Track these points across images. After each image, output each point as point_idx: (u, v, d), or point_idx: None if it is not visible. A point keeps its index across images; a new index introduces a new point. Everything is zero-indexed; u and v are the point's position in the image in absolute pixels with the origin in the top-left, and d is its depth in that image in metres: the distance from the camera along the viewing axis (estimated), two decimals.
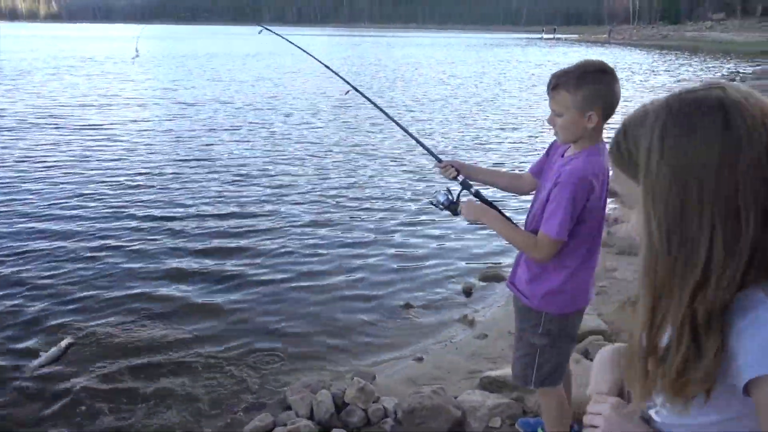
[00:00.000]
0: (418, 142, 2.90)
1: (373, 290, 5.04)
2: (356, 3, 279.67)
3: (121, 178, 8.15)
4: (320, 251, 5.81)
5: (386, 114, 3.07)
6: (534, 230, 2.24)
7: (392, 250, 5.89)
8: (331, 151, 10.33)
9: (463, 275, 5.30)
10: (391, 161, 9.60)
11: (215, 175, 8.46)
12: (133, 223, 6.38)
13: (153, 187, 7.78)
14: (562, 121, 2.13)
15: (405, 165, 9.33)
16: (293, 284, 5.10)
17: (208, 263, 5.44)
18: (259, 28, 3.94)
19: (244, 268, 5.37)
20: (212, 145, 10.58)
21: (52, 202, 7.01)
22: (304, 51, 3.60)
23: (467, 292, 5.00)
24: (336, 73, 3.39)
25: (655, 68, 30.13)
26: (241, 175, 8.56)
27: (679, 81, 23.27)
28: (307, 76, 23.01)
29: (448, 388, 3.44)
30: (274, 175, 8.57)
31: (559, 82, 2.11)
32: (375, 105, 3.09)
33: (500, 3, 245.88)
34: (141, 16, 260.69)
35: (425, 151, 2.77)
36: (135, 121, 12.86)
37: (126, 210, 6.81)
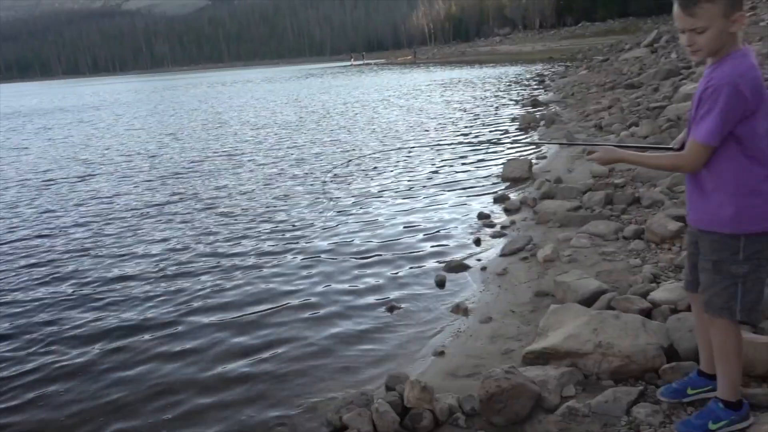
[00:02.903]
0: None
1: (348, 301, 4.71)
2: (157, 48, 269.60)
3: None
4: (278, 273, 5.44)
5: None
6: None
7: (351, 260, 5.61)
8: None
9: (429, 272, 5.12)
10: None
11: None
12: None
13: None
14: (709, 35, 2.05)
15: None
16: (264, 309, 4.67)
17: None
18: None
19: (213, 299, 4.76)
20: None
21: None
22: None
23: (441, 283, 4.84)
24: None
25: (484, 78, 32.35)
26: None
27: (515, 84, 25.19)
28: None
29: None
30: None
31: None
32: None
33: (303, 37, 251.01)
34: None
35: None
36: None
37: None
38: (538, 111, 14.91)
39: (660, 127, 8.78)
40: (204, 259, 5.90)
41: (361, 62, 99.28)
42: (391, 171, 9.61)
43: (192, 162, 11.89)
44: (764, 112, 2.09)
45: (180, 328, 4.47)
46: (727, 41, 2.10)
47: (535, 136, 11.63)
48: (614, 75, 19.38)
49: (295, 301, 4.80)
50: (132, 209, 8.19)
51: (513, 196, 7.27)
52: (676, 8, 2.12)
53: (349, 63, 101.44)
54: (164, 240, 6.62)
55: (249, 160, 11.61)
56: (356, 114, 18.91)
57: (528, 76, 29.00)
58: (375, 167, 9.99)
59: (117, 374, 3.84)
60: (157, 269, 5.70)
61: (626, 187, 6.41)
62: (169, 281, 5.39)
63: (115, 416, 3.38)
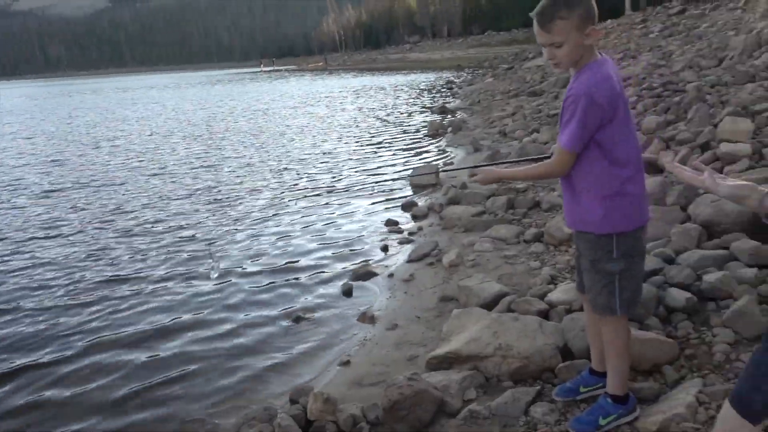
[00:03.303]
0: None
1: (251, 314, 4.60)
2: (51, 50, 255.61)
3: None
4: (179, 289, 5.20)
5: None
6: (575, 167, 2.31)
7: (256, 272, 5.47)
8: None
9: (336, 282, 5.08)
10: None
11: None
12: None
13: None
14: (565, 49, 2.18)
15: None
16: (162, 325, 4.46)
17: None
18: None
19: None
20: None
21: None
22: None
23: (348, 292, 4.82)
24: None
25: (395, 85, 32.65)
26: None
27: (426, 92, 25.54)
28: None
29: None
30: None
31: (552, 15, 2.15)
32: None
33: (211, 42, 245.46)
34: None
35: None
36: None
37: None
38: (447, 118, 15.23)
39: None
40: (98, 277, 5.59)
41: (271, 68, 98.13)
42: (297, 181, 9.51)
43: (86, 176, 11.30)
44: (621, 119, 2.23)
45: (69, 350, 4.21)
46: (585, 53, 2.23)
47: (443, 143, 11.85)
48: (518, 83, 20.10)
49: (196, 316, 4.64)
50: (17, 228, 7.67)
51: (420, 202, 7.37)
52: (535, 25, 2.23)
53: (259, 69, 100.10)
54: (55, 259, 6.22)
55: (151, 173, 11.17)
56: (264, 123, 18.62)
57: (438, 83, 29.59)
58: (280, 178, 9.86)
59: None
60: (47, 288, 5.36)
61: (527, 192, 6.64)
62: (60, 300, 5.07)
63: None
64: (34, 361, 4.07)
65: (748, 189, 1.40)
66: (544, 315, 3.56)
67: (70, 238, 6.91)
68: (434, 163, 9.86)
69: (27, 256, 6.32)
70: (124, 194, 9.16)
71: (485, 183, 2.54)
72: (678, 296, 3.24)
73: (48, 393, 3.68)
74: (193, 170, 10.87)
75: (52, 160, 13.16)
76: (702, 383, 2.68)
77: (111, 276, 5.56)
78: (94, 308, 4.87)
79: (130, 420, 3.35)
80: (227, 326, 4.43)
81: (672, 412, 2.49)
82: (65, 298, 5.11)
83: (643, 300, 3.15)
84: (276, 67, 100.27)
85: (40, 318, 4.74)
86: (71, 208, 8.43)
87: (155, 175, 10.67)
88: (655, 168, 6.07)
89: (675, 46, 16.17)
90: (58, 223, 7.64)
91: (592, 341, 2.80)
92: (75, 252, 6.33)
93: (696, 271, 3.46)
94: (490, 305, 3.89)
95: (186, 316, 4.63)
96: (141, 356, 4.05)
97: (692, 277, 3.42)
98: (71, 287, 5.33)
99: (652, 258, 3.67)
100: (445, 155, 10.46)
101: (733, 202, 1.45)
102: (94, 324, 4.59)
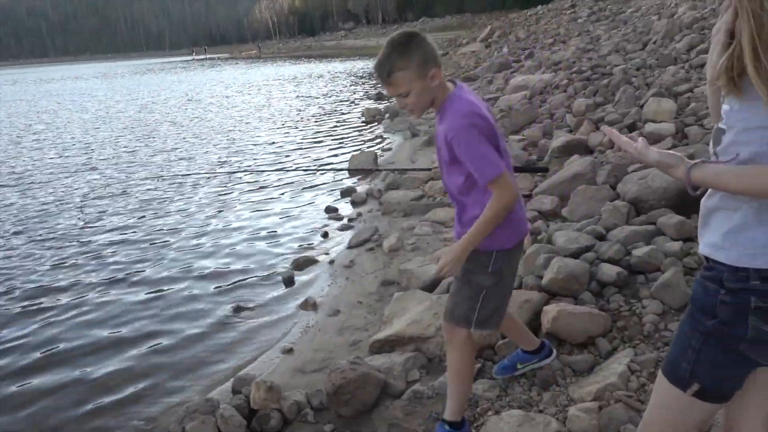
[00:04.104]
0: None
1: (190, 305, 4.50)
2: None
3: None
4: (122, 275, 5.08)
5: None
6: (463, 200, 2.27)
7: (194, 264, 5.35)
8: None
9: (277, 271, 5.03)
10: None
11: None
12: None
13: None
14: (413, 97, 2.14)
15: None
16: (95, 318, 4.32)
17: None
18: None
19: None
20: None
21: None
22: None
23: (289, 281, 4.78)
24: None
25: (332, 72, 32.37)
26: None
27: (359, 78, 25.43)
28: None
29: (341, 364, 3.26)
30: None
31: (390, 69, 2.11)
32: None
33: (139, 30, 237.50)
34: None
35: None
36: None
37: None
38: (383, 104, 15.24)
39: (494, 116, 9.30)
40: (28, 284, 5.36)
41: (203, 57, 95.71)
42: (237, 170, 9.34)
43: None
44: (498, 144, 2.18)
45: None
46: (437, 93, 2.18)
47: (380, 129, 11.86)
48: (453, 68, 20.29)
49: (133, 310, 4.51)
50: None
51: (359, 188, 7.36)
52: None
53: (191, 57, 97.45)
54: None
55: (80, 168, 10.73)
56: (202, 113, 18.18)
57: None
58: (220, 168, 9.66)
59: None
60: None
61: None
62: None
63: None
64: None
65: (676, 158, 1.46)
66: None
67: None
68: (372, 149, 9.86)
69: None
70: (51, 192, 8.75)
71: (455, 264, 2.22)
72: (609, 271, 3.36)
73: None
74: (129, 163, 10.50)
75: None
76: (633, 353, 2.79)
77: (37, 284, 5.29)
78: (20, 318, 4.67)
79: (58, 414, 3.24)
80: (165, 320, 4.32)
81: (606, 382, 2.59)
82: None
83: (577, 275, 3.26)
84: (208, 56, 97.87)
85: None
86: None
87: (83, 171, 10.24)
88: (586, 149, 6.27)
89: (602, 30, 16.66)
90: None
91: (506, 333, 2.86)
92: None
93: (626, 246, 3.58)
94: (430, 287, 3.93)
95: (121, 315, 4.48)
96: (74, 345, 3.92)
97: (622, 252, 3.55)
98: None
99: (584, 235, 3.79)
100: (382, 141, 10.47)
101: (660, 170, 1.50)
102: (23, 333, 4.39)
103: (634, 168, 4.72)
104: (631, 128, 6.14)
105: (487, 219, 2.13)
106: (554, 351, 2.82)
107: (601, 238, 3.83)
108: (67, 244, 6.12)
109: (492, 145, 2.12)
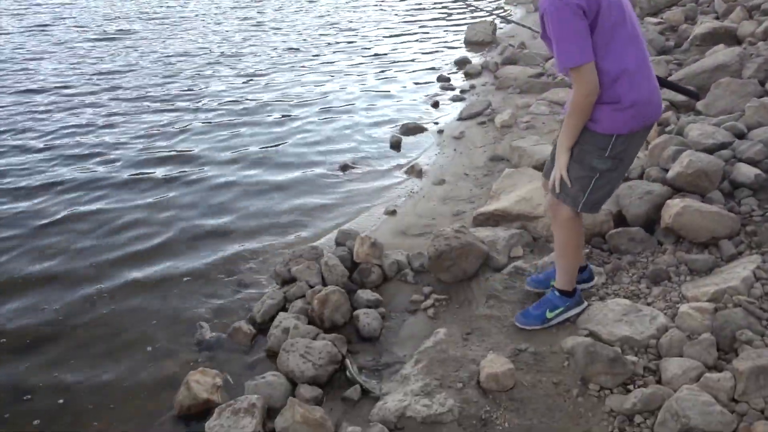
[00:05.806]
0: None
1: (299, 159, 4.60)
2: None
3: None
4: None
5: None
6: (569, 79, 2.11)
7: (308, 119, 5.40)
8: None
9: (385, 134, 4.98)
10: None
11: None
12: None
13: None
14: None
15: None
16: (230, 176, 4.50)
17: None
18: None
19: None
20: None
21: None
22: None
23: (396, 145, 4.74)
24: None
25: None
26: None
27: None
28: None
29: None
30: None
31: None
32: None
33: None
34: None
35: None
36: None
37: None
38: None
39: None
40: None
41: None
42: (364, 32, 9.12)
43: None
44: (605, 28, 2.00)
45: None
46: None
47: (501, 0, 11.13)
48: None
49: (251, 157, 4.64)
50: None
51: (474, 60, 7.04)
52: None
53: None
54: None
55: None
56: None
57: None
58: (349, 32, 9.48)
59: None
60: None
61: None
62: None
63: None
64: None
65: None
66: None
67: None
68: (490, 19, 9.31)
69: None
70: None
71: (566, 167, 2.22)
72: (747, 171, 3.07)
73: None
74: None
75: None
76: (761, 260, 2.59)
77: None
78: None
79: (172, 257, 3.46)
80: (273, 167, 4.44)
81: (726, 285, 2.43)
82: None
83: (708, 172, 3.01)
84: None
85: None
86: None
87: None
88: (734, 38, 5.61)
89: None
90: None
91: None
92: None
93: None
94: (542, 167, 3.77)
95: (239, 155, 4.63)
96: (183, 195, 4.13)
97: (764, 153, 3.22)
98: None
99: (722, 131, 3.46)
100: (503, 11, 9.86)
101: None
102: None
103: None
104: None
105: (569, 113, 2.11)
106: (585, 302, 2.55)
107: (741, 136, 3.48)
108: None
109: (585, 26, 1.96)
